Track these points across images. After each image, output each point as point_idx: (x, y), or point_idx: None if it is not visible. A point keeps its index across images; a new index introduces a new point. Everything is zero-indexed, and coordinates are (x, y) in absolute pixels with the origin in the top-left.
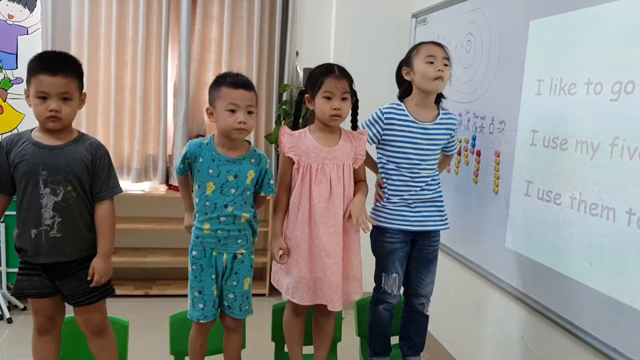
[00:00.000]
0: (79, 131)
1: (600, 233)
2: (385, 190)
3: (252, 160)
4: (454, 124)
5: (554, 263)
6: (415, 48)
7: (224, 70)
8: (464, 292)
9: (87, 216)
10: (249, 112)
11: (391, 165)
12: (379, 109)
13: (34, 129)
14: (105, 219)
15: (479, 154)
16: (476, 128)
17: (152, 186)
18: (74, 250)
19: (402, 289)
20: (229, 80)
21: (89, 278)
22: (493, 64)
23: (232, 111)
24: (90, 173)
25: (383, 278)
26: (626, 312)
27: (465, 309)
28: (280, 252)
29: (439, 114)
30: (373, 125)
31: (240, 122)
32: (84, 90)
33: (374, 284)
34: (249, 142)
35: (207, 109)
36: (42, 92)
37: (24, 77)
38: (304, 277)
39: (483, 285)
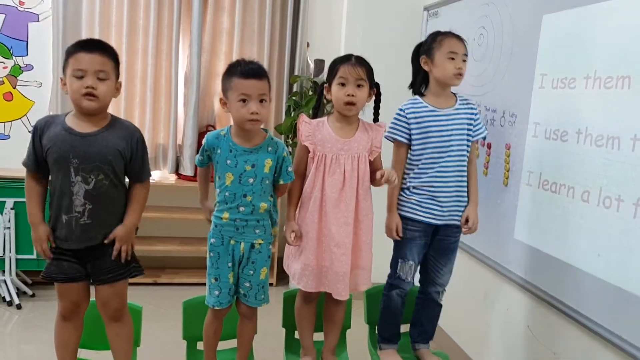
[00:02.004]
0: (112, 115)
1: (607, 224)
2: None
3: (269, 148)
4: (474, 107)
5: (562, 254)
6: (438, 39)
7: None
8: (471, 282)
9: (119, 202)
10: (262, 101)
11: (419, 158)
12: (399, 109)
13: (68, 113)
14: (139, 197)
15: (489, 146)
16: (487, 121)
17: (162, 175)
18: (104, 236)
19: (416, 277)
20: (240, 70)
21: (111, 244)
22: (505, 58)
23: (244, 101)
24: (125, 159)
25: (399, 264)
26: (632, 301)
27: (473, 299)
28: (293, 234)
29: (457, 100)
30: (400, 126)
31: (252, 113)
32: (119, 80)
33: (383, 275)
34: (265, 130)
35: (221, 100)
36: (79, 70)
37: (35, 64)
38: (310, 264)
39: (491, 276)
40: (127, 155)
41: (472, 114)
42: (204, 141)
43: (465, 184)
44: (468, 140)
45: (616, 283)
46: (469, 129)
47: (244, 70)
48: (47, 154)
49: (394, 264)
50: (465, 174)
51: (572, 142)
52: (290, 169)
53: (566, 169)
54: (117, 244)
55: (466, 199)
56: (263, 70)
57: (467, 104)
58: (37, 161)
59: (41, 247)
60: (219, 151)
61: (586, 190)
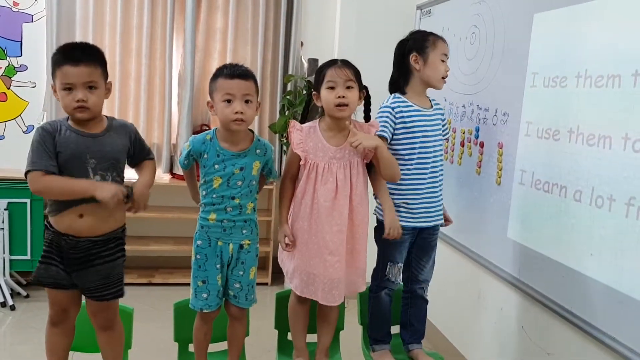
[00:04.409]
0: (106, 116)
1: (600, 224)
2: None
3: (258, 151)
4: (442, 108)
5: (555, 253)
6: (430, 39)
7: (228, 60)
8: (465, 282)
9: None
10: (247, 102)
11: (408, 160)
12: (386, 105)
13: (68, 117)
14: (147, 165)
15: (482, 145)
16: (479, 120)
17: (156, 175)
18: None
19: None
20: (225, 72)
21: (132, 204)
22: (497, 56)
23: (229, 101)
24: (129, 155)
25: (388, 267)
26: (625, 302)
27: (467, 299)
28: (286, 239)
29: (431, 101)
30: (386, 122)
31: (237, 113)
32: (109, 80)
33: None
34: (252, 131)
35: (208, 102)
36: (67, 84)
37: (29, 64)
38: (298, 268)
39: (484, 275)
40: (131, 151)
41: (441, 113)
42: (188, 145)
43: (441, 184)
44: (441, 140)
45: (609, 283)
46: (440, 129)
47: (229, 71)
48: (58, 156)
49: (382, 267)
50: (441, 174)
51: (564, 141)
52: (274, 169)
53: (558, 168)
54: (135, 203)
55: (442, 197)
56: (249, 72)
57: (437, 104)
58: (55, 161)
59: (118, 190)
60: (205, 156)
61: (578, 190)
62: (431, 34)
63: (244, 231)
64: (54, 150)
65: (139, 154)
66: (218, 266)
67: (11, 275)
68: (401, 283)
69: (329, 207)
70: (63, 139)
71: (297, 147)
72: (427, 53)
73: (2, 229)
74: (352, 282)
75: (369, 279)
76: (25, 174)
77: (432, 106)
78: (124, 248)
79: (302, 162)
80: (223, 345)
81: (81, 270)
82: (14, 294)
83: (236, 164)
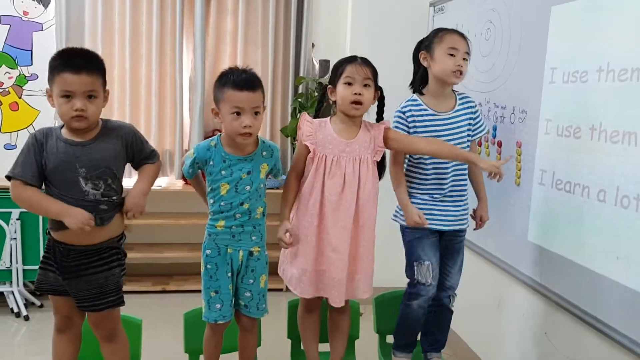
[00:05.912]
0: (102, 119)
1: (627, 225)
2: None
3: (264, 153)
4: (473, 106)
5: (578, 257)
6: (439, 35)
7: (239, 63)
8: (485, 287)
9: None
10: (256, 113)
11: (416, 162)
12: (399, 111)
13: (63, 126)
14: (147, 169)
15: (500, 144)
16: (497, 118)
17: (169, 181)
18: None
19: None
20: (233, 80)
21: (125, 212)
22: (513, 52)
23: (237, 114)
24: (127, 158)
25: (415, 268)
26: None
27: (487, 304)
28: (287, 234)
29: (456, 100)
30: (397, 127)
31: (245, 127)
32: (106, 87)
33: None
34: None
35: (213, 110)
36: (66, 91)
37: (39, 73)
38: (307, 269)
39: (505, 280)
40: (126, 153)
41: (471, 112)
42: (193, 153)
43: (466, 186)
44: (468, 141)
45: (637, 288)
46: (469, 129)
47: (237, 80)
48: (46, 166)
49: (409, 271)
50: (466, 176)
51: (585, 139)
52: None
53: (580, 167)
54: (129, 213)
55: (467, 201)
56: (257, 79)
57: (466, 102)
58: (38, 172)
59: (87, 220)
60: (211, 162)
61: (602, 190)
62: (442, 29)
63: (253, 237)
64: (40, 160)
65: (139, 155)
66: (229, 274)
67: (25, 285)
68: (433, 284)
69: (335, 202)
70: (52, 149)
71: (307, 138)
72: (434, 49)
73: (15, 238)
74: (353, 287)
75: (376, 284)
76: (8, 178)
77: (454, 108)
78: (121, 257)
79: (310, 155)
80: (234, 356)
81: (72, 279)
82: (28, 303)
83: (243, 168)
